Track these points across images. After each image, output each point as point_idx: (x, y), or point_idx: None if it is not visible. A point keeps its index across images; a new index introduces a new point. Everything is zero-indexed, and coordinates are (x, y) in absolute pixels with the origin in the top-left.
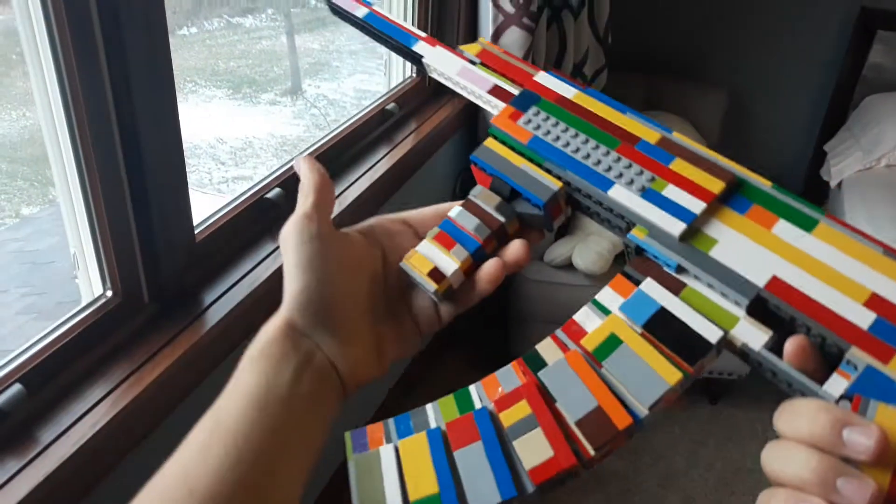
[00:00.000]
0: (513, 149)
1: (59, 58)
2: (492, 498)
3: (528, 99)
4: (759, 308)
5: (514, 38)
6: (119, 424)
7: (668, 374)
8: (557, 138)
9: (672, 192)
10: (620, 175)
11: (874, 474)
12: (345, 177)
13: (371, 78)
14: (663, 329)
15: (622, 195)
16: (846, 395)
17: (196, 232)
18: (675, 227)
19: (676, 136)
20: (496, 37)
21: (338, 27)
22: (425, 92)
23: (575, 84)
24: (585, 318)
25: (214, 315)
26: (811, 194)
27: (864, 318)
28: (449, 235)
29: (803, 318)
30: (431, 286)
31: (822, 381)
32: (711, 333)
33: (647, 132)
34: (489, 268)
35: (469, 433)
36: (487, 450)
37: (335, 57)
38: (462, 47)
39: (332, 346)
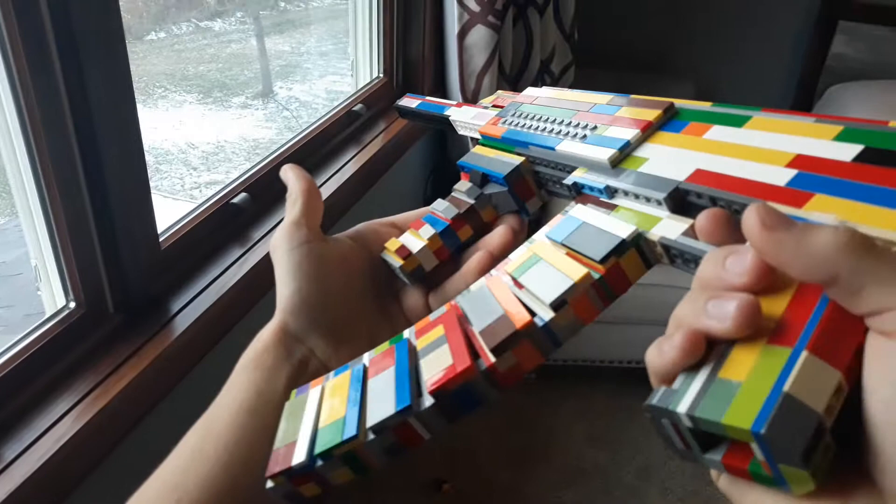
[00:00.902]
0: (492, 147)
1: (11, 66)
2: (385, 412)
3: (511, 108)
4: (682, 203)
5: (480, 36)
6: (84, 438)
7: (573, 272)
8: (526, 125)
9: (612, 130)
10: (567, 133)
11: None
12: (315, 177)
13: (343, 79)
14: (580, 238)
15: (566, 146)
16: None
17: (161, 239)
18: (605, 153)
19: (634, 97)
20: (462, 35)
21: (308, 28)
22: (393, 93)
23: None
24: (518, 252)
25: (181, 323)
26: None
27: (783, 177)
28: (423, 221)
29: (722, 195)
30: (397, 262)
31: None
32: (623, 230)
33: (604, 97)
34: (476, 257)
35: (386, 361)
36: (397, 372)
37: (306, 59)
38: (484, 100)
39: (325, 349)
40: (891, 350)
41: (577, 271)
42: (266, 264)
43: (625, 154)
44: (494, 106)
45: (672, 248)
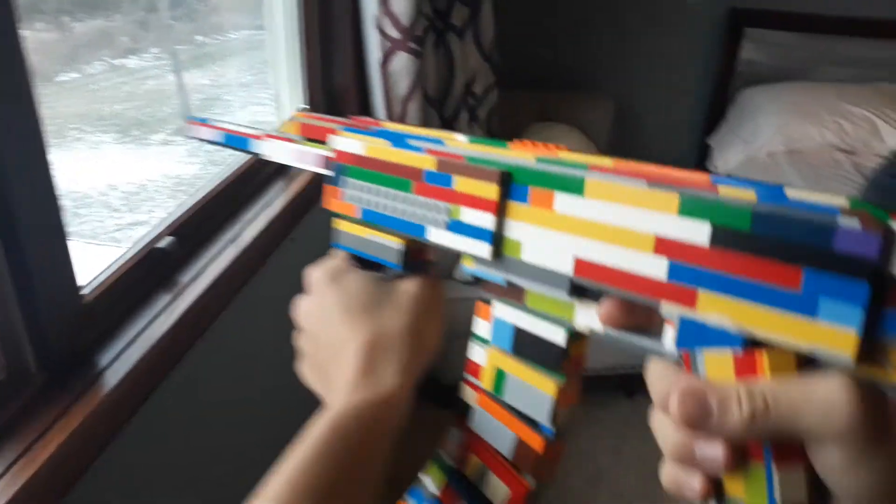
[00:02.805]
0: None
1: None
2: None
3: (336, 171)
4: (580, 290)
5: (403, 63)
6: None
7: (547, 387)
8: (375, 204)
9: (466, 214)
10: (426, 217)
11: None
12: (243, 214)
13: (265, 109)
14: (526, 347)
15: (436, 236)
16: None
17: (85, 290)
18: (484, 249)
19: (448, 144)
20: (385, 63)
21: (226, 61)
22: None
23: (367, 129)
24: (473, 352)
25: (110, 379)
26: None
27: (659, 268)
28: None
29: (612, 290)
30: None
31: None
32: (558, 336)
33: (424, 160)
34: None
35: (455, 495)
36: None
37: (226, 91)
38: (282, 128)
39: None
40: (821, 451)
41: (550, 386)
42: (197, 309)
43: (498, 243)
44: (308, 139)
45: (601, 336)
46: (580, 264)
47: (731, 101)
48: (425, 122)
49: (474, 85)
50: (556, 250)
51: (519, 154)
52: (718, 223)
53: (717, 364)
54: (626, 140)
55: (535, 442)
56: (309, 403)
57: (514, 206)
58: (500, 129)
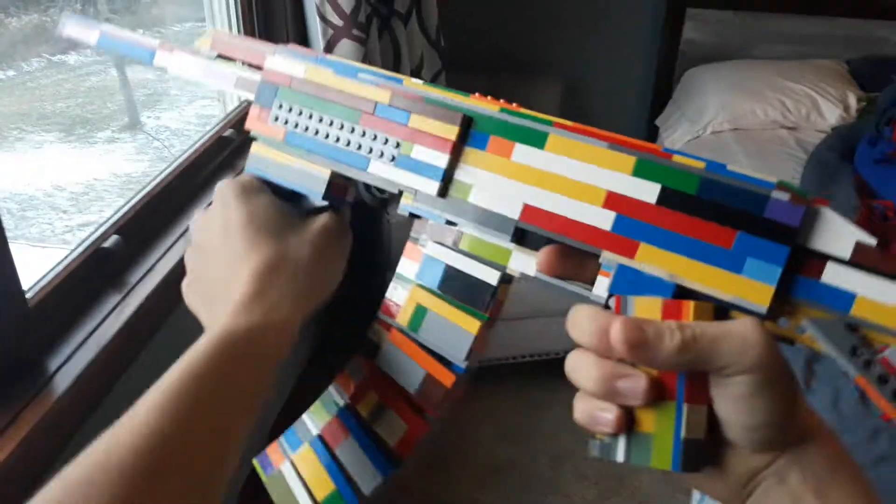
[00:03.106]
0: (272, 146)
1: None
2: (375, 480)
3: (267, 92)
4: (523, 236)
5: (347, 50)
6: None
7: (470, 326)
8: (307, 128)
9: (418, 152)
10: (371, 150)
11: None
12: (191, 209)
13: (214, 103)
14: (454, 285)
15: (379, 169)
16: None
17: (29, 294)
18: (431, 186)
19: (406, 84)
20: (328, 50)
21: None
22: None
23: (306, 56)
24: (394, 292)
25: (61, 383)
26: None
27: (605, 220)
28: None
29: (557, 237)
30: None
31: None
32: (491, 276)
33: (379, 92)
34: None
35: (340, 431)
36: (359, 442)
37: (173, 85)
38: (198, 42)
39: None
40: (729, 384)
41: (472, 325)
42: (147, 308)
43: (447, 182)
44: (221, 56)
45: (535, 281)
46: (528, 210)
47: (676, 81)
48: None
49: (421, 71)
50: (506, 196)
51: (481, 104)
52: (668, 185)
53: (646, 308)
54: (575, 120)
55: (446, 378)
56: None
57: (471, 152)
58: None
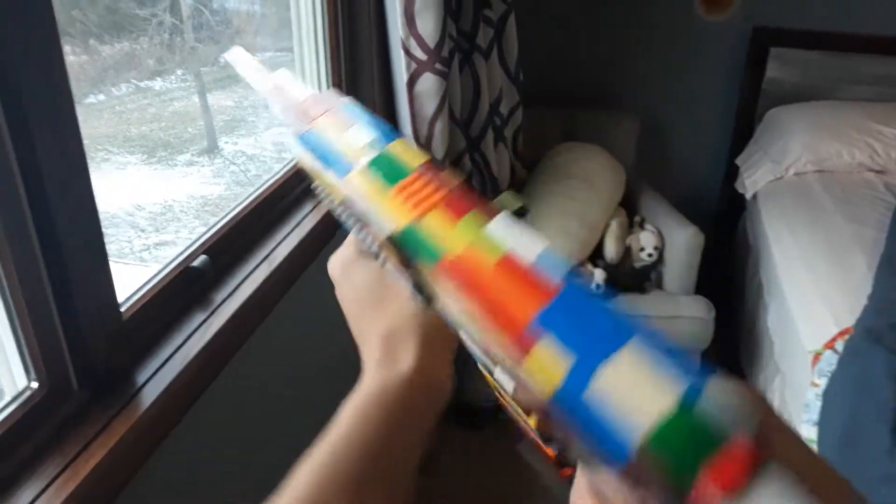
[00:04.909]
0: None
1: None
2: None
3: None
4: None
5: (429, 84)
6: None
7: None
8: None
9: None
10: None
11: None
12: (274, 234)
13: (289, 130)
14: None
15: None
16: None
17: (122, 308)
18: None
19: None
20: (411, 84)
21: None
22: None
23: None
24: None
25: (148, 395)
26: (729, 207)
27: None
28: None
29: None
30: None
31: None
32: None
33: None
34: None
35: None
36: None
37: (250, 112)
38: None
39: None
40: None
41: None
42: (230, 328)
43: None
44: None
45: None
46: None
47: (758, 121)
48: (451, 143)
49: (500, 105)
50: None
51: (393, 207)
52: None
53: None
54: (652, 158)
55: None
56: None
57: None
58: (525, 149)
